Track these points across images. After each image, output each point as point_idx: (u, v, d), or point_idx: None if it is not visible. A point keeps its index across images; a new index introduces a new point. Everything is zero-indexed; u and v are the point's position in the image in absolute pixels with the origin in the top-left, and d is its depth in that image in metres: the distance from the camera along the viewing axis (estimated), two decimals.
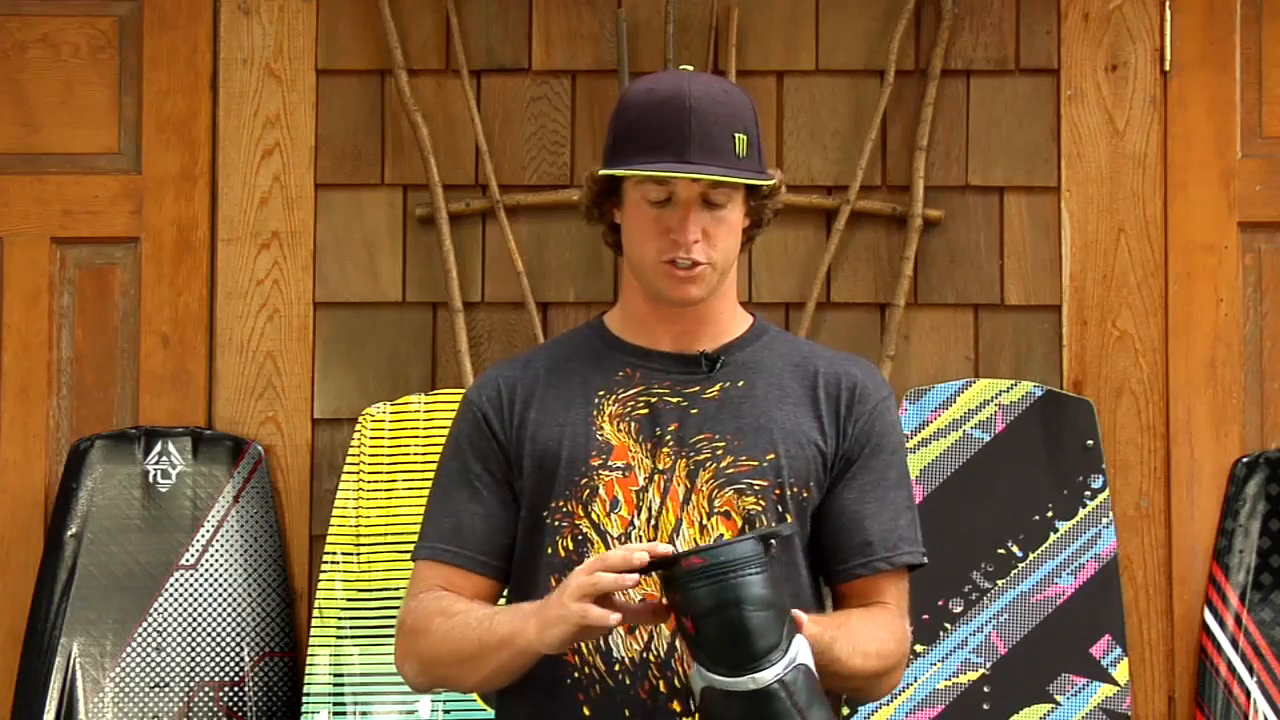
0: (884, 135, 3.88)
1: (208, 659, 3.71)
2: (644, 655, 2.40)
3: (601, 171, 2.47)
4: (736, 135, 2.44)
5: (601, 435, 2.46)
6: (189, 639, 3.71)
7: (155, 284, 3.89)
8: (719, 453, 2.45)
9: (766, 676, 2.17)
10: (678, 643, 2.35)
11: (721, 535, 2.42)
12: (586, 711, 2.40)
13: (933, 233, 3.85)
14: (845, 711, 3.63)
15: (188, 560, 3.74)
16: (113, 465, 3.77)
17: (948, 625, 3.65)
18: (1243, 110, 3.89)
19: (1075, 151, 3.88)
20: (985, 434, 3.73)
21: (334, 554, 3.69)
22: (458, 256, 3.83)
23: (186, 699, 3.70)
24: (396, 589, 3.62)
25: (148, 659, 3.70)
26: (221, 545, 3.76)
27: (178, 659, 3.71)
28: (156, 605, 3.72)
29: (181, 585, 3.73)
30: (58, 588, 3.71)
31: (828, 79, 3.90)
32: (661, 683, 2.39)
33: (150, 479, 3.77)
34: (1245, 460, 3.79)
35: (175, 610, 3.72)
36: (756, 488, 2.44)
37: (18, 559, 3.84)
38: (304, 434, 3.86)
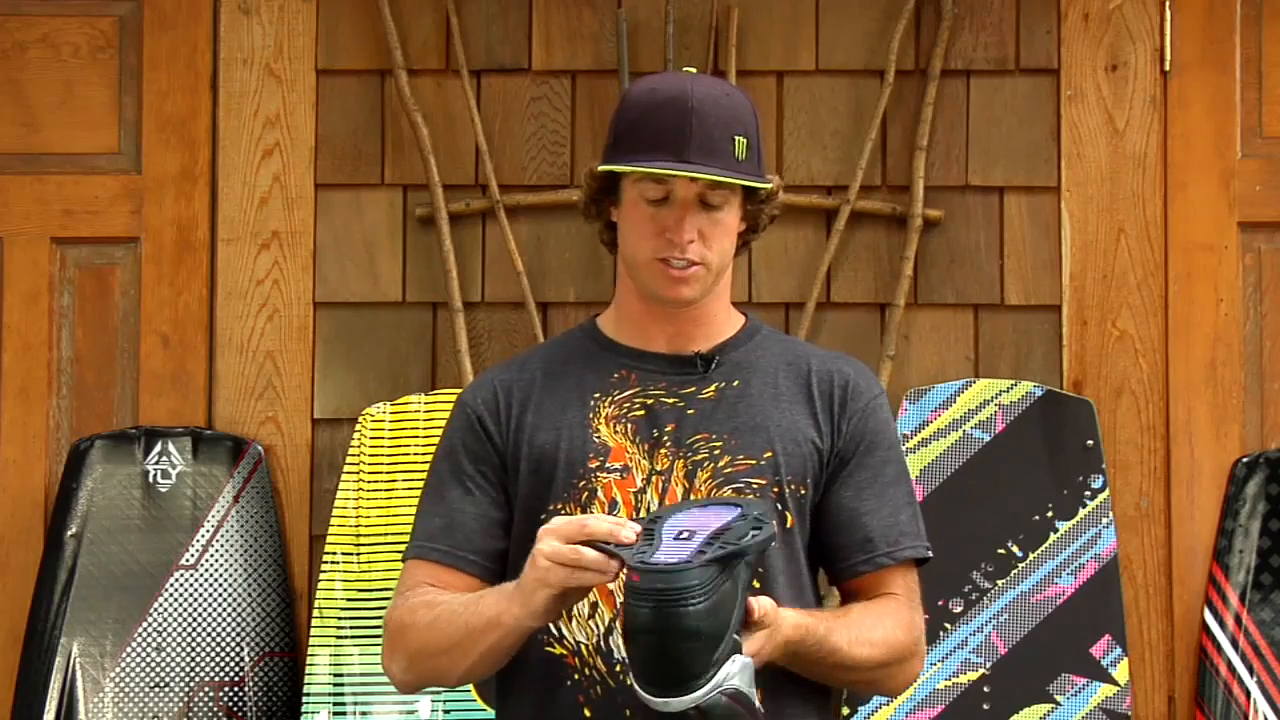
0: (884, 135, 3.88)
1: (208, 659, 3.71)
2: None
3: (600, 167, 2.47)
4: (736, 138, 2.44)
5: (599, 437, 2.46)
6: (189, 639, 3.71)
7: (155, 284, 3.89)
8: (716, 452, 2.45)
9: (683, 702, 2.15)
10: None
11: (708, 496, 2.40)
12: (587, 713, 2.39)
13: (933, 233, 3.85)
14: (845, 711, 3.63)
15: (188, 560, 3.74)
16: (113, 465, 3.77)
17: (948, 625, 3.65)
18: (1243, 110, 3.89)
19: (1075, 151, 3.87)
20: (985, 434, 3.73)
21: (334, 554, 3.69)
22: (458, 256, 3.83)
23: (186, 699, 3.70)
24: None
25: (148, 659, 3.71)
26: (221, 545, 3.76)
27: (178, 659, 3.71)
28: (156, 605, 3.72)
29: (181, 585, 3.74)
30: (58, 588, 3.71)
31: (828, 79, 3.90)
32: None
33: (150, 479, 3.77)
34: (1245, 460, 3.79)
35: (175, 610, 3.72)
36: (755, 486, 2.44)
37: (18, 559, 3.84)
38: (304, 434, 3.86)
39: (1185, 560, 3.80)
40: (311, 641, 3.67)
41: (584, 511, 2.43)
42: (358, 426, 3.74)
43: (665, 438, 2.45)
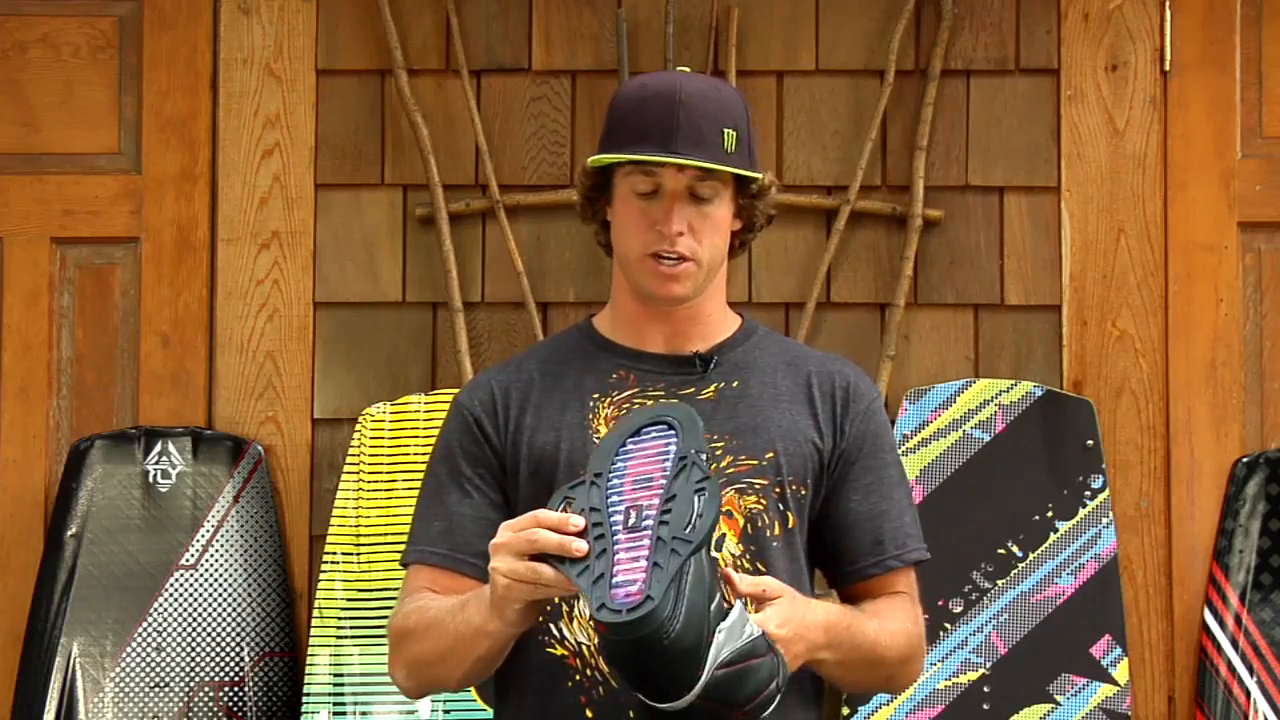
0: (884, 135, 3.88)
1: (208, 659, 3.71)
2: None
3: (589, 160, 2.48)
4: (725, 130, 2.43)
5: (599, 438, 2.44)
6: (189, 639, 3.71)
7: (155, 284, 3.89)
8: (718, 453, 2.44)
9: (685, 700, 2.15)
10: None
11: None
12: (589, 713, 2.39)
13: (933, 233, 3.85)
14: (845, 711, 3.63)
15: (188, 560, 3.74)
16: (113, 465, 3.77)
17: (948, 625, 3.65)
18: (1243, 110, 3.89)
19: (1075, 151, 3.87)
20: (985, 434, 3.73)
21: (334, 554, 3.69)
22: (458, 256, 3.83)
23: (186, 699, 3.70)
24: (397, 589, 3.62)
25: (148, 659, 3.70)
26: (221, 545, 3.76)
27: (178, 659, 3.71)
28: (156, 605, 3.72)
29: (181, 585, 3.73)
30: (58, 588, 3.71)
31: (828, 79, 3.90)
32: None
33: (150, 479, 3.77)
34: (1245, 460, 3.79)
35: (175, 610, 3.72)
36: (757, 486, 2.44)
37: (18, 559, 3.84)
38: (304, 434, 3.86)
39: (1185, 560, 3.80)
40: (311, 641, 3.67)
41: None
42: (358, 426, 3.74)
43: None
